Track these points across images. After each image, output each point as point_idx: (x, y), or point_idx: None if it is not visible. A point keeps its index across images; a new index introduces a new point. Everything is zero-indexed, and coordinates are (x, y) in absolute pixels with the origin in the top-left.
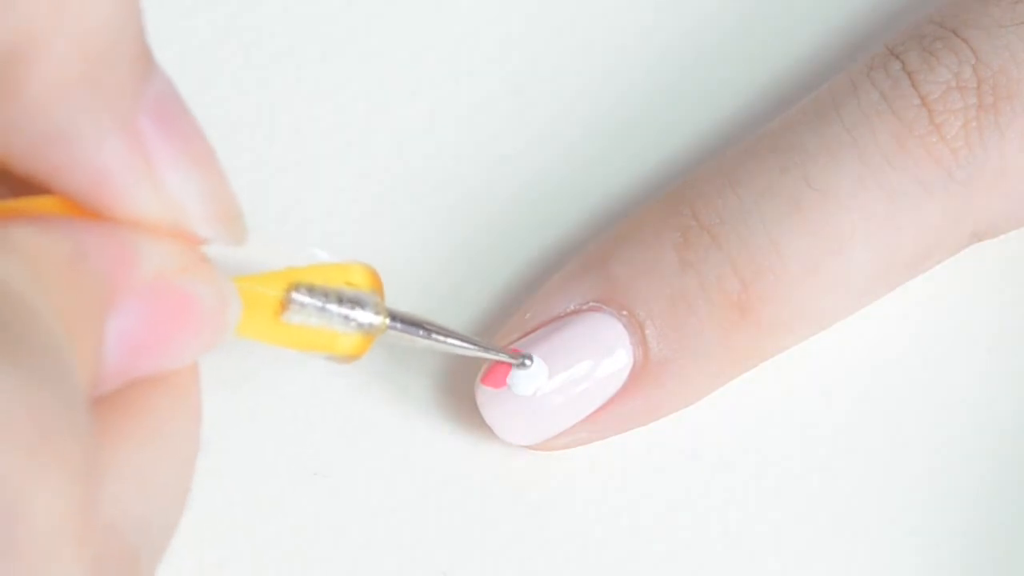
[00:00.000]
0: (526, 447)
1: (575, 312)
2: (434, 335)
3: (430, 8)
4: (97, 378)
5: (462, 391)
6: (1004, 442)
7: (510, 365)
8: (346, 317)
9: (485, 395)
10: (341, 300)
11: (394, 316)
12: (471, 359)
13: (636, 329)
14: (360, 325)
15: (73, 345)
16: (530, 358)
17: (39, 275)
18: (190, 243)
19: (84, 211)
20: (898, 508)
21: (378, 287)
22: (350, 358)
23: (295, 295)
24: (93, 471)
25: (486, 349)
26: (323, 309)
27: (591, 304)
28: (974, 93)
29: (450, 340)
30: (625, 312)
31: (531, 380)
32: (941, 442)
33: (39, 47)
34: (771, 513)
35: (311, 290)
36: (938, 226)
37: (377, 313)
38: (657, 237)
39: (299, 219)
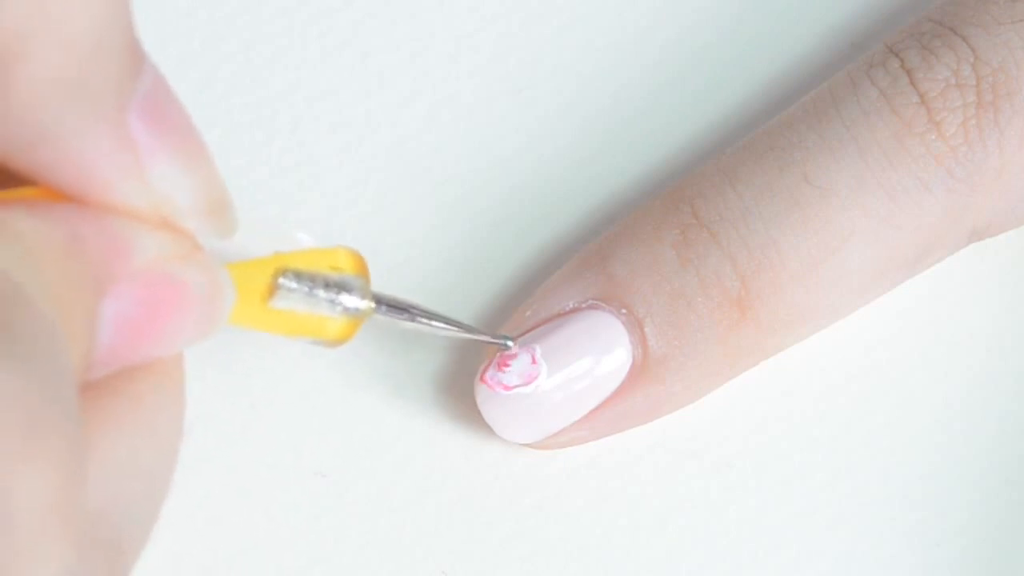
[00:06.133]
0: (526, 445)
1: (575, 310)
2: (419, 318)
3: (430, 8)
4: (89, 363)
5: (462, 390)
6: (1004, 442)
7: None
8: (332, 301)
9: (484, 393)
10: (328, 285)
11: (379, 300)
12: (470, 355)
13: (635, 327)
14: (346, 309)
15: (66, 332)
16: (511, 339)
17: (35, 261)
18: (182, 233)
19: (73, 201)
20: (898, 508)
21: (364, 271)
22: (337, 342)
23: (282, 281)
24: (80, 457)
25: (470, 331)
26: (310, 294)
27: (591, 302)
28: (973, 91)
29: (434, 323)
30: (624, 310)
31: (521, 371)
32: (941, 442)
33: (26, 47)
34: (771, 513)
35: (298, 275)
36: (938, 224)
37: (363, 297)
38: (657, 235)
39: (299, 219)
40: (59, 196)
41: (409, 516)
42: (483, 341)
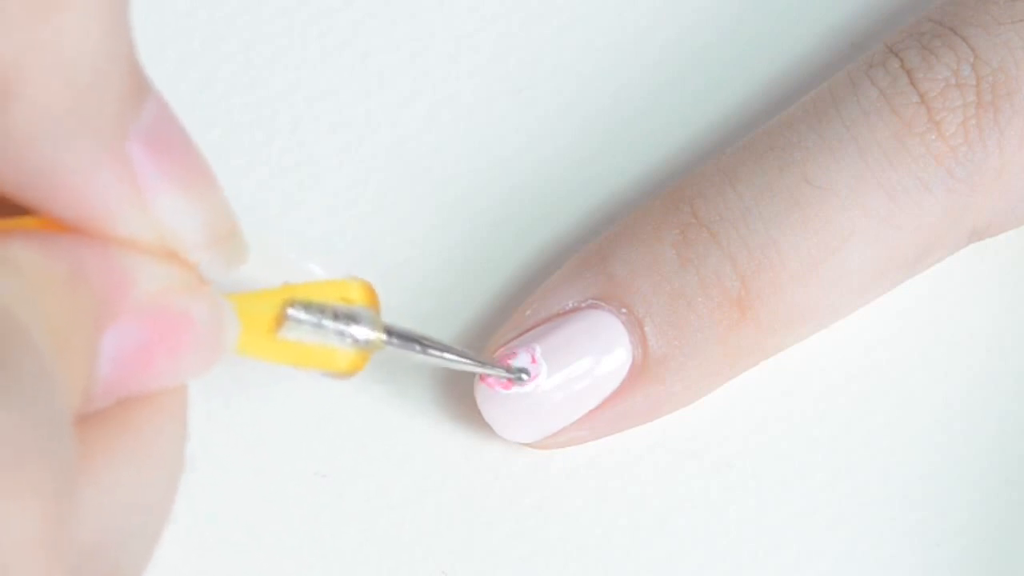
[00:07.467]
0: (526, 445)
1: (575, 310)
2: (430, 351)
3: (430, 8)
4: (88, 396)
5: (462, 390)
6: (1004, 442)
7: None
8: (342, 333)
9: (484, 393)
10: (337, 316)
11: (390, 331)
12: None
13: (635, 327)
14: (356, 341)
15: (62, 365)
16: (527, 372)
17: (35, 295)
18: (186, 264)
19: (75, 232)
20: (898, 508)
21: (374, 303)
22: (347, 374)
23: (291, 311)
24: (69, 492)
25: (482, 364)
26: (319, 325)
27: (590, 302)
28: (973, 91)
29: (446, 355)
30: (624, 310)
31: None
32: (941, 442)
33: (25, 80)
34: (771, 513)
35: (307, 307)
36: (938, 224)
37: (373, 329)
38: (657, 235)
39: (299, 219)
40: (60, 226)
41: (409, 516)
42: (496, 375)
